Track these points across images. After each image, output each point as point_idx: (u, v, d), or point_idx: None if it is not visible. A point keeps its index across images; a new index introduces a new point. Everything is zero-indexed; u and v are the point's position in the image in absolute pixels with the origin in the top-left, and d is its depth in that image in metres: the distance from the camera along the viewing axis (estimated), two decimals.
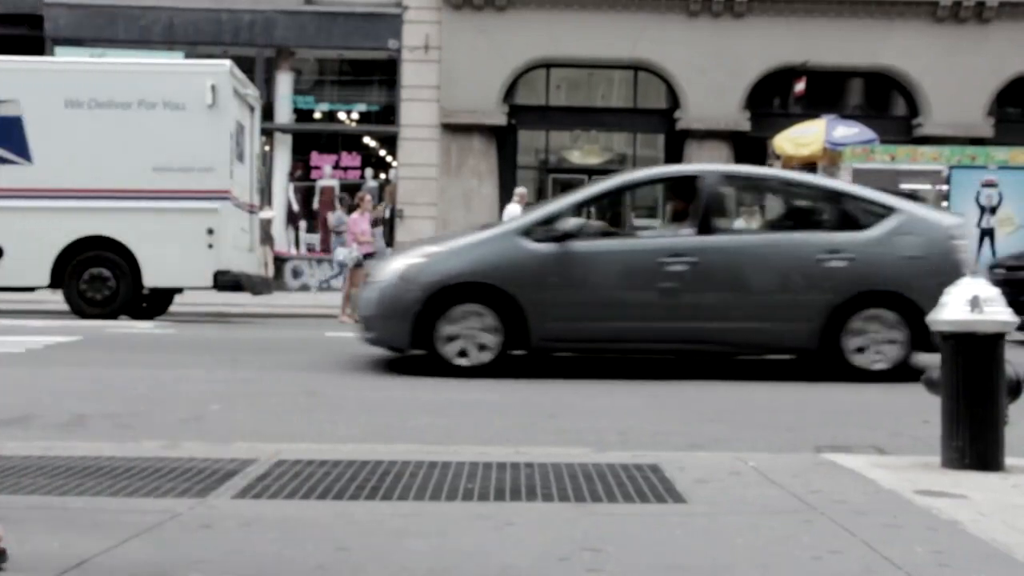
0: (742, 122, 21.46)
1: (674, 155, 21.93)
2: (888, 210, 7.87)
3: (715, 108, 21.31)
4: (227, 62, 13.33)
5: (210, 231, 12.66)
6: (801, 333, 7.60)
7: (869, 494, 3.61)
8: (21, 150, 12.64)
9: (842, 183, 8.39)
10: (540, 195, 21.09)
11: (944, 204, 16.15)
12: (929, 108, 21.48)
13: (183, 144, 12.57)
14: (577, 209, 8.11)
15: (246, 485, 3.64)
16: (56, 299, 12.97)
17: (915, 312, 7.43)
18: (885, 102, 22.57)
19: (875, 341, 7.60)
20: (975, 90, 21.26)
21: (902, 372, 7.51)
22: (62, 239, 12.53)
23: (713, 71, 21.12)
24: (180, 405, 6.05)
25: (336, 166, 22.03)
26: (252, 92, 14.48)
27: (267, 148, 20.92)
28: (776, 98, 22.23)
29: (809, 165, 19.29)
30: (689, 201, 8.15)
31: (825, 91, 21.54)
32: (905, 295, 7.54)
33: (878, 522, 3.20)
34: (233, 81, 13.14)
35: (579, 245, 7.69)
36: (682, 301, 7.61)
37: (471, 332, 7.52)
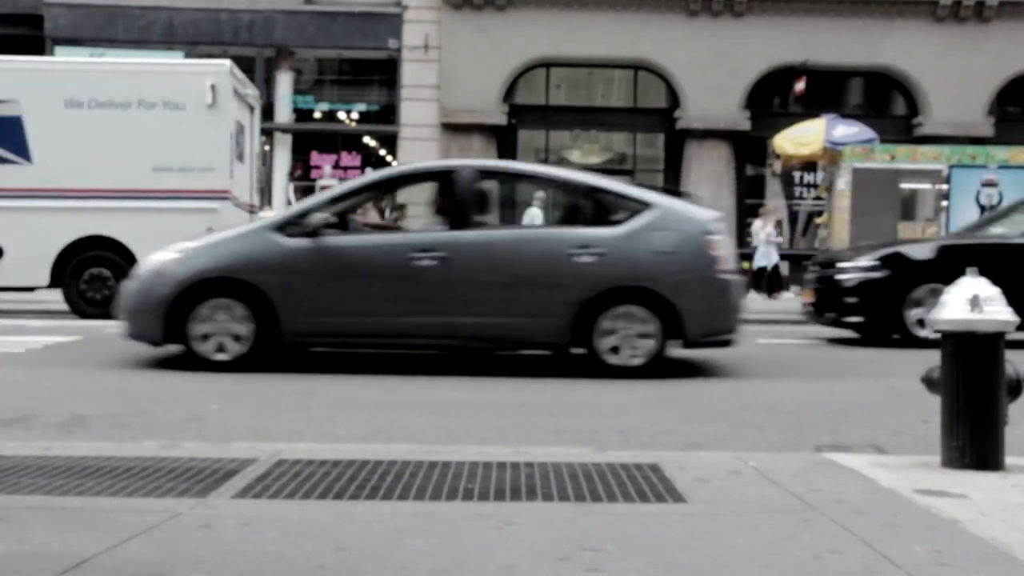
0: (742, 121, 21.48)
1: (674, 154, 21.98)
2: (642, 205, 7.80)
3: (715, 107, 21.33)
4: (227, 62, 13.32)
5: (210, 231, 12.64)
6: (552, 328, 7.55)
7: (869, 493, 3.61)
8: (21, 150, 12.64)
9: (597, 178, 8.30)
10: None
11: (944, 203, 16.18)
12: (929, 107, 21.50)
13: (183, 144, 12.57)
14: (332, 204, 7.89)
15: (246, 485, 3.63)
16: (56, 299, 12.96)
17: (665, 307, 7.48)
18: (885, 101, 22.59)
19: (626, 336, 7.54)
20: (975, 89, 21.28)
21: (653, 367, 7.52)
22: (62, 239, 12.53)
23: (713, 71, 21.14)
24: (180, 405, 6.05)
25: (336, 166, 22.04)
26: (252, 92, 14.48)
27: (267, 148, 20.92)
28: (776, 97, 22.25)
29: (809, 164, 19.35)
30: (449, 196, 8.10)
31: (825, 91, 21.57)
32: (654, 290, 7.52)
33: (878, 521, 3.20)
34: (233, 81, 13.14)
35: (331, 240, 7.65)
36: (433, 296, 7.55)
37: (223, 327, 7.51)
